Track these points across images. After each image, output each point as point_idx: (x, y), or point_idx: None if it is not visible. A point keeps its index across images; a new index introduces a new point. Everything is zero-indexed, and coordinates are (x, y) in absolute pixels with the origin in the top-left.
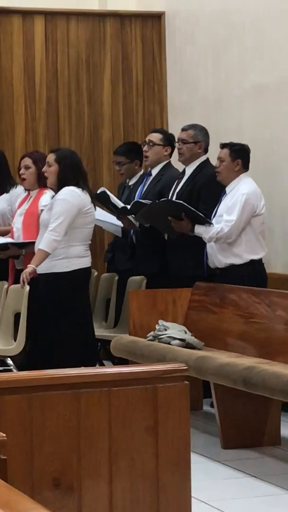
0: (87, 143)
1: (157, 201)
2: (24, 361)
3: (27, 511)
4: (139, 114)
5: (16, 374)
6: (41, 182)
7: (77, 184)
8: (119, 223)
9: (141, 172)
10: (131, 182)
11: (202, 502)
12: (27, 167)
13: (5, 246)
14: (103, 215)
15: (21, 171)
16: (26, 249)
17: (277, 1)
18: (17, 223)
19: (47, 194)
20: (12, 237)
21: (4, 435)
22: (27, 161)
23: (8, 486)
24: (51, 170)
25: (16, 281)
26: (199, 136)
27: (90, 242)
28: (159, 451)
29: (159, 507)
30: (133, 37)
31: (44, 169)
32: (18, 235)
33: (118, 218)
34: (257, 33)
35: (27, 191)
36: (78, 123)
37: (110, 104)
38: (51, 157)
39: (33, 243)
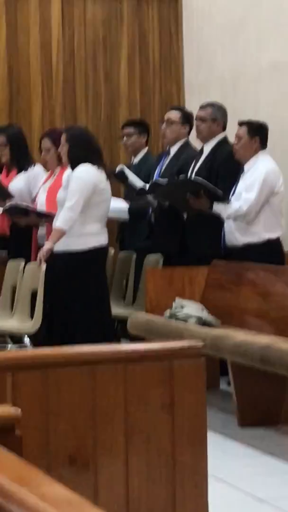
0: (104, 122)
1: (176, 180)
2: (40, 339)
3: (41, 486)
4: (156, 93)
5: (31, 351)
6: (62, 162)
7: (90, 162)
8: (124, 205)
9: (146, 150)
10: (136, 160)
11: (219, 480)
12: (47, 149)
13: (25, 211)
14: None
15: (43, 154)
16: (46, 219)
17: None
18: (41, 199)
19: (68, 171)
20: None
21: (20, 410)
22: (47, 142)
23: (22, 461)
24: (63, 150)
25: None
26: (217, 114)
27: (106, 219)
28: (175, 428)
29: (175, 485)
30: (150, 16)
31: (59, 149)
32: (41, 210)
33: (136, 197)
34: (274, 12)
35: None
36: (95, 102)
37: (127, 83)
38: (63, 137)
39: (53, 215)
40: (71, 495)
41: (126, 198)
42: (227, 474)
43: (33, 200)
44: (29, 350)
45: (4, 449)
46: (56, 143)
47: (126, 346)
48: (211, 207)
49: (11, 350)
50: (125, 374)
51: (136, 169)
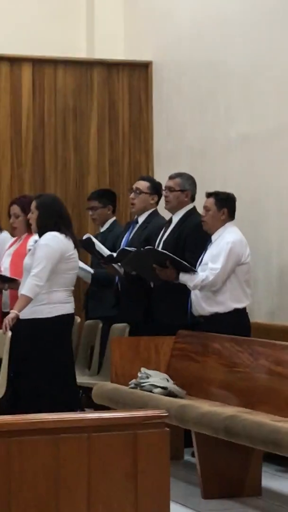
0: (73, 190)
1: (142, 249)
2: (4, 406)
3: None
4: (125, 162)
5: None
6: (30, 228)
7: (59, 230)
8: (89, 269)
9: (113, 219)
10: (103, 229)
11: None
12: (16, 216)
13: None
14: None
15: (11, 220)
16: (9, 284)
17: (262, 54)
18: (5, 263)
19: (34, 237)
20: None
21: None
22: (16, 209)
23: None
24: (33, 217)
25: (1, 324)
26: (186, 185)
27: (73, 288)
28: (138, 499)
29: None
30: (120, 85)
31: (28, 216)
32: (5, 275)
33: (103, 265)
34: (243, 85)
35: (17, 235)
36: (64, 170)
37: (96, 152)
38: (33, 204)
39: (17, 280)
40: None
41: (92, 266)
42: None
43: None
44: None
45: None
46: (25, 209)
47: (90, 415)
48: (177, 277)
49: None
50: (88, 443)
51: (102, 238)
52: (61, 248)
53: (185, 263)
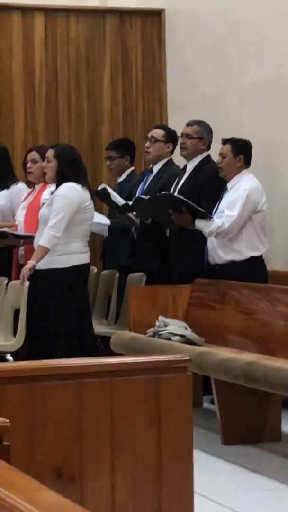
0: (87, 140)
1: (157, 194)
2: (23, 355)
3: (31, 491)
4: (138, 111)
5: (18, 364)
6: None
7: (76, 180)
8: (106, 221)
9: (131, 169)
10: (120, 179)
11: (203, 496)
12: (34, 161)
13: (3, 234)
14: None
15: (28, 165)
16: (24, 240)
17: (275, 0)
18: (20, 217)
19: (49, 188)
20: (16, 230)
21: (8, 420)
22: (35, 155)
23: (12, 468)
24: (50, 166)
25: (19, 275)
26: (204, 133)
27: (88, 238)
28: (161, 442)
29: (161, 500)
30: (133, 34)
31: (43, 164)
32: (20, 228)
33: (118, 214)
34: (256, 31)
35: (31, 186)
36: (77, 121)
37: (110, 101)
38: (50, 153)
39: (32, 236)
40: (61, 500)
41: (109, 217)
42: (210, 490)
43: (14, 216)
44: (16, 363)
45: None
46: (43, 157)
47: (112, 359)
48: (193, 223)
49: None
50: (111, 388)
51: (119, 188)
52: (78, 199)
53: (201, 209)
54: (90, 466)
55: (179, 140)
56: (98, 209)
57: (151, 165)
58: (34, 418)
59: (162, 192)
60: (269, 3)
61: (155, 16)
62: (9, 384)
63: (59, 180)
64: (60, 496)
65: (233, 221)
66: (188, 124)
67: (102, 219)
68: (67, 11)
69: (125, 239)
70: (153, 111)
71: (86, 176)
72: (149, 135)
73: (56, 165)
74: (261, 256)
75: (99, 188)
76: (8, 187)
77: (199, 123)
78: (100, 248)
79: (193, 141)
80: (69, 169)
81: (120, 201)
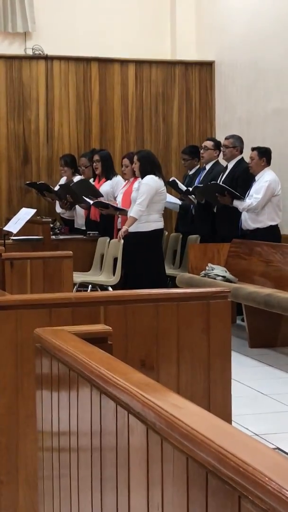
0: (162, 148)
1: (209, 183)
2: (119, 287)
3: (127, 374)
4: (196, 129)
5: (116, 292)
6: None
7: (154, 174)
8: (177, 201)
9: (198, 166)
10: (191, 172)
11: (237, 381)
12: (126, 166)
13: (106, 205)
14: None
15: (122, 169)
16: (120, 212)
17: None
18: (119, 198)
19: (137, 181)
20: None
21: (111, 328)
22: (126, 161)
23: (114, 358)
24: (136, 166)
25: (117, 235)
26: (236, 143)
27: (162, 212)
28: (210, 345)
29: (210, 383)
30: (193, 77)
31: (133, 165)
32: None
33: (183, 197)
34: (277, 74)
35: (126, 180)
36: (156, 135)
37: (177, 123)
38: (135, 158)
39: (126, 210)
40: (146, 379)
41: (180, 199)
42: (242, 377)
43: (115, 198)
44: (115, 292)
45: (102, 351)
46: (131, 161)
47: (178, 290)
48: (232, 202)
49: (102, 292)
50: (178, 309)
51: (188, 180)
52: (156, 186)
53: (237, 193)
54: (163, 359)
55: (222, 149)
56: (169, 193)
57: (204, 164)
58: (127, 327)
59: (212, 182)
60: (286, 53)
61: (208, 65)
62: (111, 305)
63: (142, 174)
64: (145, 377)
65: (258, 202)
66: (226, 138)
67: (174, 200)
68: (150, 62)
69: (187, 213)
70: (205, 128)
71: (161, 171)
72: (203, 145)
73: (139, 165)
74: (277, 225)
75: (170, 179)
76: (110, 179)
77: (233, 136)
78: (169, 219)
79: (230, 150)
80: (148, 166)
81: (184, 188)
